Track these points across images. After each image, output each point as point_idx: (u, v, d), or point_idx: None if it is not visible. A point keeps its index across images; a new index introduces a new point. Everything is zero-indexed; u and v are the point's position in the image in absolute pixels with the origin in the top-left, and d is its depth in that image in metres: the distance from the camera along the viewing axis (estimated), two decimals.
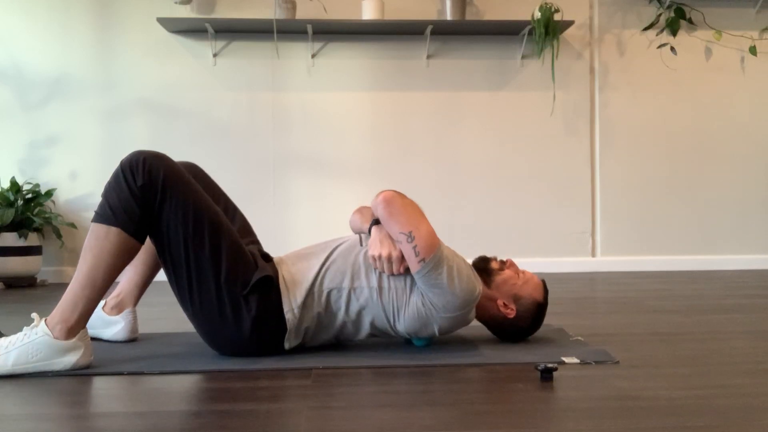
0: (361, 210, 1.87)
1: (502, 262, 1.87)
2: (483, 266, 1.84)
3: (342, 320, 1.73)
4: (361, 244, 1.77)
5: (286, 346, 1.71)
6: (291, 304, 1.68)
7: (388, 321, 1.72)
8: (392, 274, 1.69)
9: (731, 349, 1.80)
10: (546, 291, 1.86)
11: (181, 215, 1.60)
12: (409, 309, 1.69)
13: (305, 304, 1.69)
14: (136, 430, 1.16)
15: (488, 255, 1.90)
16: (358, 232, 1.84)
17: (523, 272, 1.86)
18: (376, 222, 1.75)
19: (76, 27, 3.90)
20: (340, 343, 1.83)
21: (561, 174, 4.09)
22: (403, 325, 1.71)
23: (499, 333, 1.88)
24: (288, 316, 1.68)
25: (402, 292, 1.70)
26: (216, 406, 1.32)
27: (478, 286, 1.71)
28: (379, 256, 1.68)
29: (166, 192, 1.59)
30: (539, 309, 1.84)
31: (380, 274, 1.71)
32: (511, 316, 1.81)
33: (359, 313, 1.72)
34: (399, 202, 1.70)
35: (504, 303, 1.80)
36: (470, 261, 1.84)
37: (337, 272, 1.72)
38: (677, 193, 4.13)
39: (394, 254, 1.67)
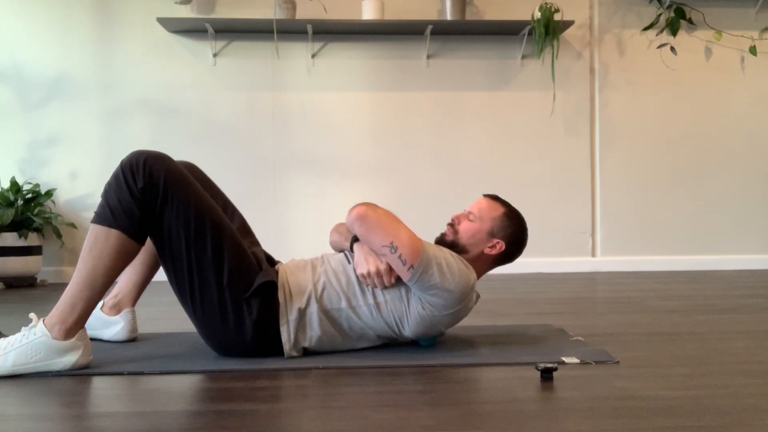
0: (338, 228, 1.88)
1: (452, 225, 1.85)
2: (445, 244, 1.82)
3: (346, 338, 1.72)
4: (349, 261, 1.77)
5: (286, 357, 1.70)
6: (287, 316, 1.68)
7: (393, 332, 1.72)
8: (385, 287, 1.69)
9: (731, 349, 1.80)
10: (496, 198, 1.86)
11: (183, 217, 1.59)
12: (411, 316, 1.69)
13: (301, 321, 1.68)
14: (136, 430, 1.16)
15: (438, 234, 1.88)
16: (340, 251, 1.85)
17: (470, 212, 1.84)
18: (356, 239, 1.74)
19: (76, 27, 3.90)
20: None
21: (561, 174, 4.09)
22: (409, 331, 1.71)
23: (512, 259, 1.86)
24: (282, 329, 1.67)
25: (399, 302, 1.69)
26: (216, 406, 1.32)
27: (471, 274, 1.71)
28: (368, 273, 1.68)
29: (167, 193, 1.58)
30: (511, 217, 1.82)
31: (373, 289, 1.71)
32: (503, 248, 1.80)
33: (362, 329, 1.71)
34: (372, 215, 1.68)
35: (488, 247, 1.79)
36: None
37: (333, 292, 1.70)
38: (677, 192, 4.13)
39: (382, 268, 1.67)
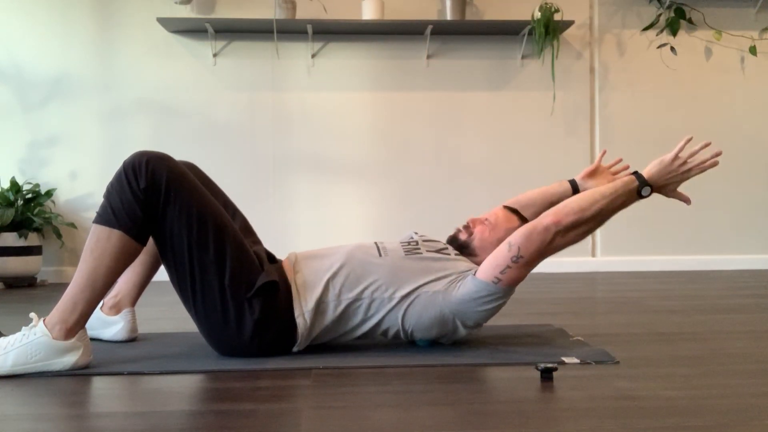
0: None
1: (467, 227, 1.87)
2: (457, 244, 1.84)
3: (355, 327, 1.71)
4: (380, 254, 1.76)
5: (295, 349, 1.70)
6: (302, 308, 1.67)
7: (405, 331, 1.71)
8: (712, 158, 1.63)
9: (731, 349, 1.80)
10: (514, 212, 1.88)
11: (185, 218, 1.59)
12: (432, 313, 1.67)
13: (318, 310, 1.67)
14: (136, 430, 1.16)
15: (452, 232, 1.90)
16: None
17: (486, 218, 1.86)
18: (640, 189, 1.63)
19: (76, 27, 3.90)
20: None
21: (561, 174, 4.07)
22: (419, 333, 1.71)
23: None
24: (299, 320, 1.66)
25: (426, 298, 1.68)
26: (216, 406, 1.32)
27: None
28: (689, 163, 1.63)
29: (169, 194, 1.58)
30: None
31: (399, 286, 1.68)
32: None
33: (377, 324, 1.70)
34: (545, 237, 1.62)
35: None
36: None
37: (356, 281, 1.69)
38: None
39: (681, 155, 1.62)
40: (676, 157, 1.64)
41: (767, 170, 4.17)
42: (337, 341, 1.76)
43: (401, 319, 1.69)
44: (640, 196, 1.64)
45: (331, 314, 1.68)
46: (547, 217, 1.62)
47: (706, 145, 1.63)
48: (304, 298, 1.68)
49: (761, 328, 2.09)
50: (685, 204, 1.74)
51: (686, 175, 1.66)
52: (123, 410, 1.29)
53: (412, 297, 1.68)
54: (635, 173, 1.66)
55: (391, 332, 1.73)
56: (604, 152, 1.85)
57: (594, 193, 1.64)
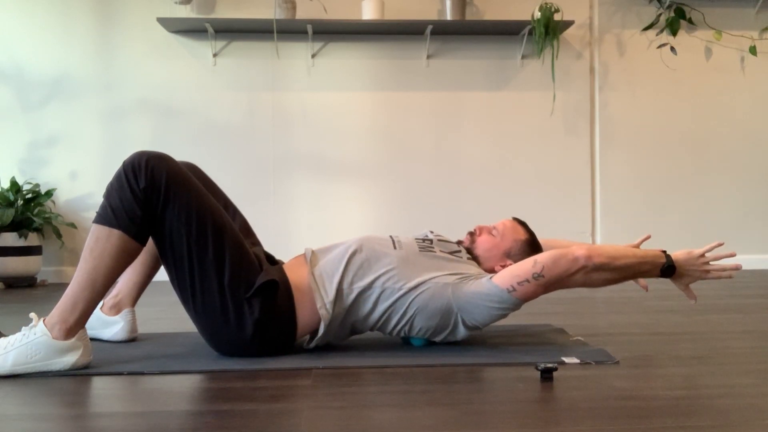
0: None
1: (472, 234, 1.88)
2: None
3: (365, 317, 1.71)
4: (395, 247, 1.76)
5: (312, 345, 1.71)
6: (323, 299, 1.67)
7: (408, 318, 1.70)
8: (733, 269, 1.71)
9: (731, 349, 1.80)
10: (522, 224, 1.89)
11: (184, 217, 1.59)
12: (439, 304, 1.67)
13: (336, 297, 1.68)
14: (136, 430, 1.16)
15: (460, 239, 1.92)
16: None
17: (494, 227, 1.87)
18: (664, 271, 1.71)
19: (76, 27, 3.91)
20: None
21: (561, 174, 4.09)
22: (421, 320, 1.70)
23: None
24: (321, 312, 1.67)
25: (436, 289, 1.68)
26: (216, 406, 1.32)
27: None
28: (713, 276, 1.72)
29: (168, 194, 1.58)
30: (532, 246, 1.85)
31: (410, 278, 1.68)
32: None
33: (383, 313, 1.70)
34: (570, 267, 1.63)
35: (501, 266, 1.81)
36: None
37: (369, 270, 1.70)
38: (677, 192, 4.14)
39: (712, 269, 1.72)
40: (703, 255, 1.73)
41: (767, 170, 4.17)
42: (346, 341, 1.75)
43: (407, 304, 1.69)
44: (662, 273, 1.71)
45: (345, 302, 1.69)
46: (581, 250, 1.64)
47: (732, 255, 1.73)
48: (324, 289, 1.68)
49: (761, 328, 2.09)
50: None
51: (704, 275, 1.74)
52: (123, 410, 1.29)
53: (422, 288, 1.68)
54: (664, 252, 1.73)
55: (393, 321, 1.71)
56: (648, 237, 1.89)
57: (626, 249, 1.70)
